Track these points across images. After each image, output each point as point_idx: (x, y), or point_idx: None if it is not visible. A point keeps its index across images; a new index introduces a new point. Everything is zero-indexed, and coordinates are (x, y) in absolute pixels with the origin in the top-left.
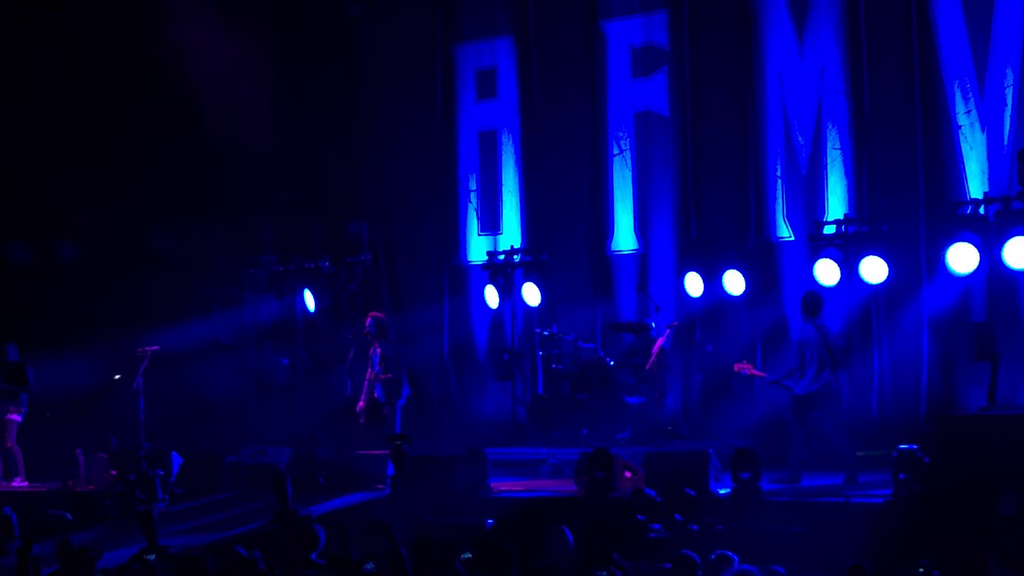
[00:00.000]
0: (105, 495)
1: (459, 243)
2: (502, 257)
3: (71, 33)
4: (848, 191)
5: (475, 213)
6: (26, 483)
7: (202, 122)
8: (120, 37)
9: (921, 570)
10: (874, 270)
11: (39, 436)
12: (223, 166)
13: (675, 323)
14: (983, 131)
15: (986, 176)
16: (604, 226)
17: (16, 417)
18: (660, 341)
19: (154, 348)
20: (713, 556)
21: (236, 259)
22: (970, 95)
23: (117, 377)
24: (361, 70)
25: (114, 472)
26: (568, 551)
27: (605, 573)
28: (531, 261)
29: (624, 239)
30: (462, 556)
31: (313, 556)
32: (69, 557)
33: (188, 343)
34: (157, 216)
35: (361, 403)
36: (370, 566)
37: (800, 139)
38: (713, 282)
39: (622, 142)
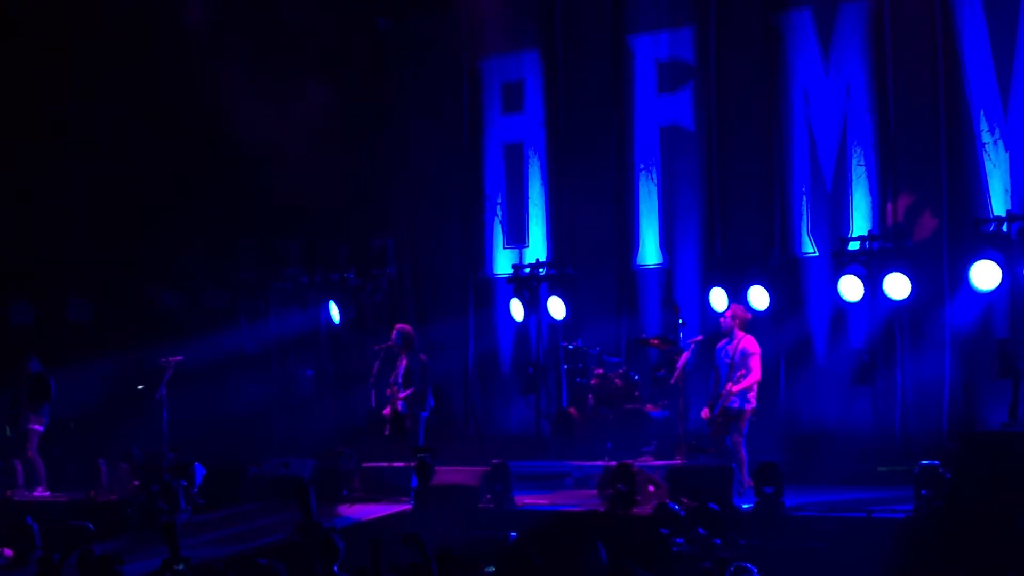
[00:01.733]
0: (128, 505)
1: (484, 256)
2: (527, 270)
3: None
4: (872, 208)
5: (501, 226)
6: (48, 493)
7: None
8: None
9: None
10: (898, 286)
11: (62, 447)
12: (253, 180)
13: (700, 338)
14: (1007, 150)
15: (1009, 194)
16: (629, 240)
17: (38, 427)
18: (685, 356)
19: (178, 359)
20: (732, 568)
21: (263, 271)
22: (994, 114)
23: (140, 388)
24: (388, 83)
25: (137, 483)
26: (602, 568)
27: None
28: (556, 275)
29: (649, 253)
30: (485, 570)
31: (335, 568)
32: (91, 567)
33: (212, 354)
34: (184, 229)
35: (387, 411)
36: None
37: (825, 156)
38: (738, 297)
39: (648, 157)
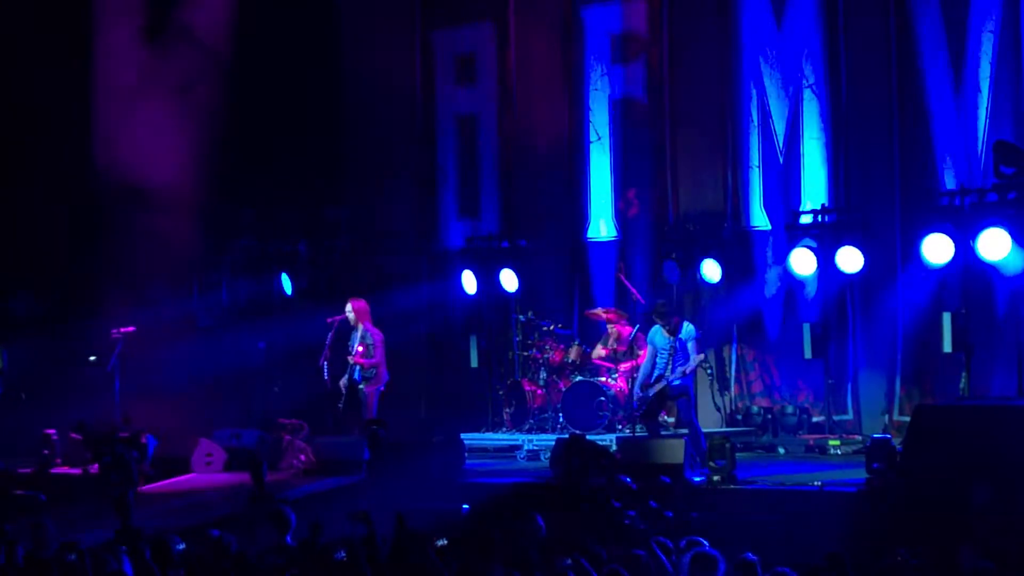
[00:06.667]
0: (79, 477)
1: (437, 228)
2: (480, 243)
3: None
4: (826, 181)
5: (453, 198)
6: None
7: None
8: None
9: (899, 558)
10: (850, 260)
11: (13, 417)
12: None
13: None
14: (959, 122)
15: (962, 167)
16: (582, 213)
17: None
18: (637, 328)
19: (129, 330)
20: (683, 542)
21: (214, 241)
22: (947, 86)
23: (92, 359)
24: (340, 54)
25: (88, 454)
26: (540, 538)
27: (571, 560)
28: (509, 247)
29: (602, 226)
30: (438, 543)
31: (287, 539)
32: (45, 540)
33: (164, 325)
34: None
35: (343, 380)
36: (342, 555)
37: (778, 128)
38: (690, 270)
39: (600, 128)
